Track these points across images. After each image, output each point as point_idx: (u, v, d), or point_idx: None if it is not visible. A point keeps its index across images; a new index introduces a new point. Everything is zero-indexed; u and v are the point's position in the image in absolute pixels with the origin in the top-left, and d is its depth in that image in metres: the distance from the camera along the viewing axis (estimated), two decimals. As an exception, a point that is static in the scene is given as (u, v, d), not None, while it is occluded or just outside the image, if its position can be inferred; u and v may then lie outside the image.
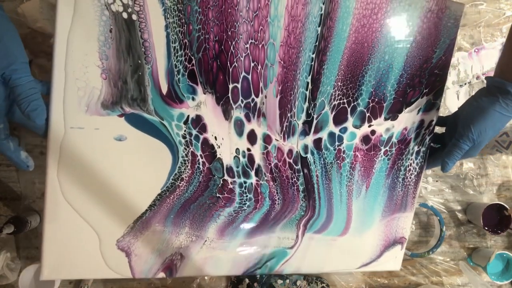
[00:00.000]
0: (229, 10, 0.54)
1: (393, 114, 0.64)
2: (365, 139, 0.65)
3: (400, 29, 0.59)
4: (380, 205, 0.69)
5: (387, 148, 0.66)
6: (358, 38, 0.58)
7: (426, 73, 0.62)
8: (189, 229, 0.61)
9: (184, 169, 0.59)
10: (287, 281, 0.76)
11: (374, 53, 0.60)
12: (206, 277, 0.76)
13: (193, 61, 0.55)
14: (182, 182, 0.59)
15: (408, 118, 0.65)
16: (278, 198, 0.65)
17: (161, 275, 0.60)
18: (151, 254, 0.59)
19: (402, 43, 0.60)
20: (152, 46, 0.54)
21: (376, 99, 0.63)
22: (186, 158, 0.59)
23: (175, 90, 0.56)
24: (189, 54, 0.55)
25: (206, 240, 0.62)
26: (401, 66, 0.61)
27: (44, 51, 0.68)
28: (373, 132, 0.65)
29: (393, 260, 0.72)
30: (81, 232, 0.55)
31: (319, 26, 0.57)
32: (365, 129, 0.64)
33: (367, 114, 0.63)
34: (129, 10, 0.52)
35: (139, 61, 0.54)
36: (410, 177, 0.68)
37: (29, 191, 0.70)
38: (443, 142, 0.67)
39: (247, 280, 0.75)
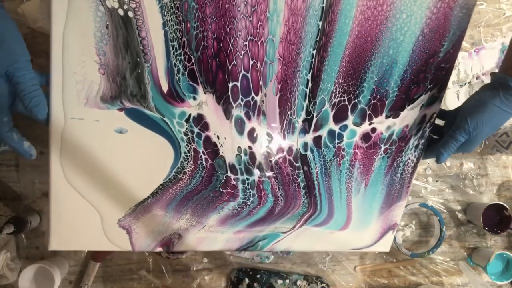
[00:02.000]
0: (227, 6, 0.45)
1: (395, 112, 0.54)
2: (365, 137, 0.55)
3: (407, 21, 0.47)
4: (378, 202, 0.60)
5: (387, 146, 0.56)
6: (361, 32, 0.48)
7: (432, 68, 0.51)
8: (191, 216, 0.55)
9: (187, 164, 0.52)
10: (287, 281, 0.69)
11: (377, 48, 0.49)
12: (206, 277, 0.70)
13: (193, 60, 0.47)
14: (184, 176, 0.53)
15: (410, 116, 0.55)
16: (281, 195, 0.57)
17: (159, 249, 0.56)
18: (151, 233, 0.55)
19: (409, 36, 0.49)
20: (151, 45, 0.46)
21: (378, 96, 0.52)
22: (188, 154, 0.52)
23: (176, 89, 0.49)
24: (188, 53, 0.47)
25: (205, 226, 0.56)
26: (406, 61, 0.50)
27: (44, 51, 0.61)
28: (373, 130, 0.55)
29: (384, 244, 0.64)
30: (84, 211, 0.51)
31: (320, 20, 0.47)
32: (365, 127, 0.55)
33: (368, 112, 0.53)
34: (125, 7, 0.43)
35: (138, 59, 0.46)
36: (408, 170, 0.59)
37: (29, 191, 0.64)
38: (442, 134, 0.57)
39: (247, 280, 0.68)
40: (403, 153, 0.57)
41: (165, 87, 0.48)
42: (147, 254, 0.69)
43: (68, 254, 0.67)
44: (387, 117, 0.54)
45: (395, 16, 0.47)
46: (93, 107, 0.47)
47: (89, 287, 0.66)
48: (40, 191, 0.65)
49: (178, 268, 0.69)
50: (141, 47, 0.45)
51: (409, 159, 0.58)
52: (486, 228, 0.67)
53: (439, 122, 0.57)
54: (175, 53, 0.46)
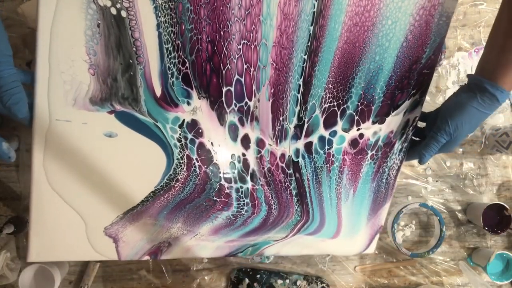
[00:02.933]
0: (221, 8, 0.41)
1: (380, 118, 0.51)
2: (353, 142, 0.52)
3: (392, 27, 0.46)
4: (366, 209, 0.56)
5: (374, 152, 0.53)
6: (350, 38, 0.46)
7: (415, 74, 0.49)
8: (182, 224, 0.49)
9: (180, 171, 0.46)
10: (287, 281, 0.62)
11: (365, 54, 0.47)
12: (206, 277, 0.62)
13: (187, 64, 0.43)
14: (177, 183, 0.47)
15: (394, 121, 0.53)
16: (274, 203, 0.52)
17: (146, 258, 0.50)
18: (139, 241, 0.49)
19: (394, 42, 0.48)
20: (144, 46, 0.41)
21: (365, 102, 0.49)
22: (181, 161, 0.46)
23: (170, 93, 0.44)
24: (182, 56, 0.42)
25: (197, 234, 0.50)
26: (391, 67, 0.48)
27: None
28: (361, 135, 0.52)
29: (371, 247, 0.60)
30: (68, 218, 0.45)
31: (311, 25, 0.44)
32: (353, 132, 0.51)
33: (356, 118, 0.51)
34: (118, 5, 0.39)
35: (130, 61, 0.41)
36: (392, 173, 0.56)
37: (29, 191, 0.57)
38: (423, 136, 0.55)
39: (247, 280, 0.61)
40: (388, 159, 0.54)
41: (158, 91, 0.43)
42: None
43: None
44: (373, 123, 0.51)
45: (381, 22, 0.45)
46: (82, 109, 0.41)
47: (89, 287, 0.59)
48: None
49: (178, 268, 0.62)
50: (134, 49, 0.41)
51: (393, 163, 0.55)
52: (486, 228, 0.63)
53: (420, 124, 0.55)
54: (169, 56, 0.42)
